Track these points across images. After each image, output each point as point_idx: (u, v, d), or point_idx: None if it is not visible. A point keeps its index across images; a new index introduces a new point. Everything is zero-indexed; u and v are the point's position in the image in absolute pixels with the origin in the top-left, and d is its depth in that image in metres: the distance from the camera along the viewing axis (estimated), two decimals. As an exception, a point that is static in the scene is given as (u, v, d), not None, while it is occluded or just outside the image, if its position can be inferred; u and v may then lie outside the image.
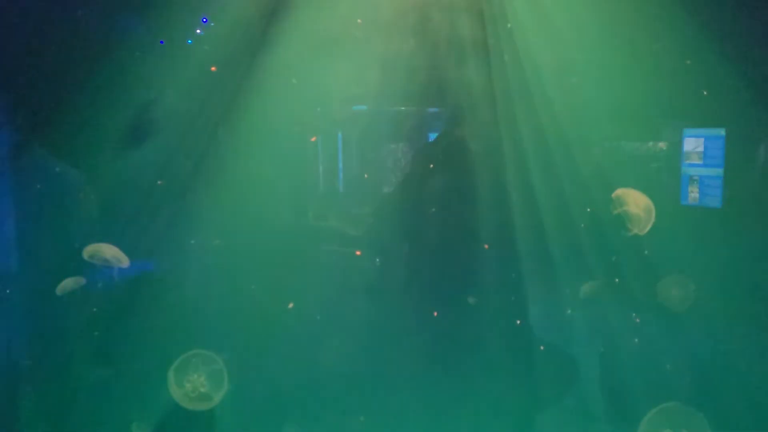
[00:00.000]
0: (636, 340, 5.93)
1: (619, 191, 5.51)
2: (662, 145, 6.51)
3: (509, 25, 5.74)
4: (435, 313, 5.83)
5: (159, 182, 5.56)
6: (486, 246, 5.71)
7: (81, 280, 5.26)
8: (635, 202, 5.61)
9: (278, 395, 5.88)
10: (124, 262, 5.16)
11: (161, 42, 5.99)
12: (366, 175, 6.11)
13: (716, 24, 5.81)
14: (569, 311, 6.01)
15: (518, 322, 5.97)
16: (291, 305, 5.84)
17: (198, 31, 6.08)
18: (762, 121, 5.89)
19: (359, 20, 5.65)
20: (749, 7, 5.82)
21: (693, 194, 6.29)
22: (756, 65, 5.82)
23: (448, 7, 5.81)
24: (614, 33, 5.78)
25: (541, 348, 5.91)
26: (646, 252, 5.68)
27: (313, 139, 5.88)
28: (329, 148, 6.01)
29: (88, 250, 5.06)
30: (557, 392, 5.98)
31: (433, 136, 6.11)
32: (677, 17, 5.73)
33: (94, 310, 5.53)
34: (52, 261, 5.34)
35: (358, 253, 5.94)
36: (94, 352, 5.66)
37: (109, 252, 5.08)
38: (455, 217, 5.95)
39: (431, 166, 5.95)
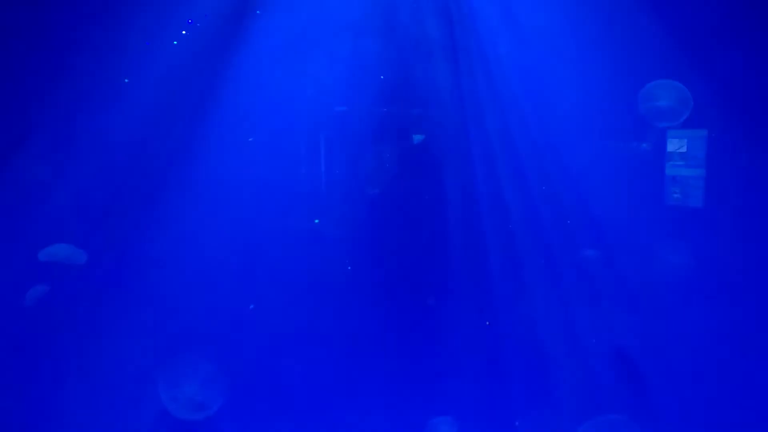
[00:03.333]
0: (608, 337, 5.94)
1: (651, 84, 5.61)
2: (645, 146, 6.44)
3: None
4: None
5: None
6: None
7: (45, 288, 5.33)
8: (668, 96, 5.65)
9: (259, 396, 5.91)
10: (80, 260, 5.23)
11: (147, 43, 6.06)
12: (335, 175, 6.13)
13: (695, 27, 5.81)
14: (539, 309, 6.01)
15: (487, 323, 6.01)
16: (252, 306, 5.91)
17: (183, 32, 6.15)
18: (742, 123, 5.87)
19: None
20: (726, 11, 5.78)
21: (675, 195, 6.25)
22: (736, 68, 5.80)
23: (417, 8, 5.85)
24: (588, 34, 5.80)
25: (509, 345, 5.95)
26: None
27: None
28: (298, 148, 6.05)
29: (46, 251, 5.13)
30: (530, 390, 5.98)
31: (402, 137, 6.13)
32: (654, 20, 5.76)
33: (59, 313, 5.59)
34: (18, 261, 5.46)
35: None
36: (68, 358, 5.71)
37: (64, 252, 5.15)
38: (425, 215, 6.01)
39: (399, 165, 6.01)
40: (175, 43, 6.06)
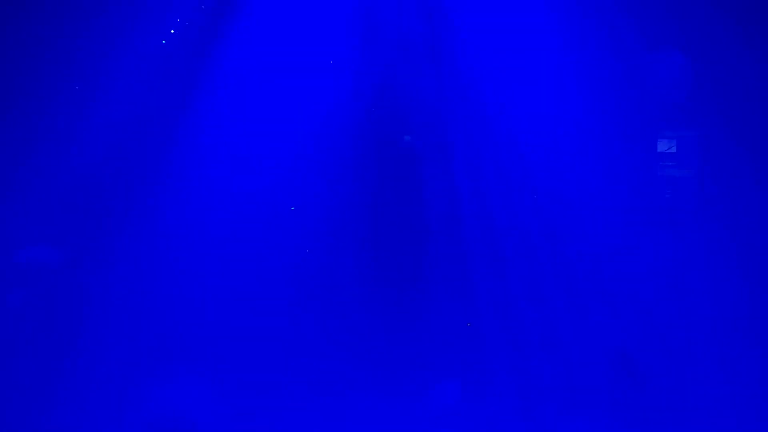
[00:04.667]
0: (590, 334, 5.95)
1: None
2: (637, 146, 6.42)
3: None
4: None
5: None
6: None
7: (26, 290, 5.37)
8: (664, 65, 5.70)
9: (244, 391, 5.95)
10: (61, 262, 5.27)
11: (136, 42, 6.08)
12: (320, 175, 6.13)
13: (685, 26, 5.80)
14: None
15: (468, 324, 6.04)
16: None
17: (172, 31, 6.17)
18: (733, 124, 5.87)
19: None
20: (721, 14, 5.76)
21: (666, 195, 6.25)
22: (728, 70, 5.81)
23: (399, 11, 5.87)
24: (574, 35, 5.80)
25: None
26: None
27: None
28: (278, 149, 6.06)
29: (22, 254, 5.17)
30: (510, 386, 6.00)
31: (384, 139, 6.14)
32: (643, 22, 5.75)
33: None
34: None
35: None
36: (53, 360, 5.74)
37: (40, 254, 5.18)
38: (409, 214, 6.05)
39: (384, 165, 6.04)
40: (163, 42, 6.08)
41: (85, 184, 5.79)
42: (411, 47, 5.92)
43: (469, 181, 5.94)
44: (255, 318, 6.00)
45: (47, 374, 5.62)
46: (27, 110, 5.80)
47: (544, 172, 5.91)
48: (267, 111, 6.00)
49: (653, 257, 5.88)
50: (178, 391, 5.72)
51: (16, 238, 5.58)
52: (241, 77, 5.98)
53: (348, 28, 5.89)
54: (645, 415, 5.72)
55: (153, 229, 5.95)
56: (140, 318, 5.83)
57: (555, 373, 5.88)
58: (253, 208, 6.01)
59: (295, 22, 5.93)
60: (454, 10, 5.85)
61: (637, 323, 5.85)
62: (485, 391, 5.95)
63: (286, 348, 6.03)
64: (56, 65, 5.85)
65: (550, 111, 5.87)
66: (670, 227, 5.96)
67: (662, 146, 6.20)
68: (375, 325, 6.08)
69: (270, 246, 6.03)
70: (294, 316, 6.03)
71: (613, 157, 6.01)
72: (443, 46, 5.91)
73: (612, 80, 5.84)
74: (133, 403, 5.68)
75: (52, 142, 5.76)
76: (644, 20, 5.77)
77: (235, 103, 5.99)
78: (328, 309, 6.08)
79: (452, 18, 5.86)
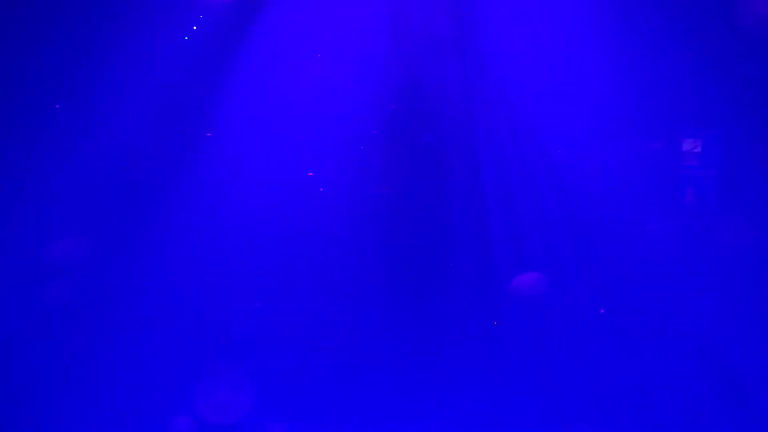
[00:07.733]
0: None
1: None
2: (660, 145, 6.40)
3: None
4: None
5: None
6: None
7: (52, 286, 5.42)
8: None
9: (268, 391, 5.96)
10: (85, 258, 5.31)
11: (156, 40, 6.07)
12: (343, 173, 6.11)
13: (712, 25, 5.78)
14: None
15: (495, 322, 6.02)
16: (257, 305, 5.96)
17: (194, 27, 6.17)
18: (757, 123, 5.85)
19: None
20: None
21: (690, 194, 6.23)
22: (753, 68, 5.78)
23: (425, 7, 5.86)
24: (600, 33, 5.78)
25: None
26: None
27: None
28: (303, 148, 6.04)
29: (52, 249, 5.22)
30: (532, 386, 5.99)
31: (409, 136, 6.12)
32: (667, 20, 5.73)
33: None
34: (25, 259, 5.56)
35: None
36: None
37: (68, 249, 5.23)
38: (433, 212, 6.04)
39: (408, 163, 6.04)
40: (186, 38, 6.08)
41: (111, 184, 5.81)
42: (438, 45, 5.90)
43: (497, 180, 5.93)
44: (276, 317, 6.01)
45: (71, 374, 5.66)
46: (40, 110, 5.83)
47: (572, 171, 5.88)
48: (291, 110, 5.98)
49: (684, 257, 5.85)
50: (201, 390, 5.74)
51: (42, 237, 5.61)
52: (265, 75, 5.96)
53: (374, 25, 5.86)
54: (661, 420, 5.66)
55: (174, 230, 5.95)
56: (154, 320, 5.85)
57: (580, 374, 5.86)
58: (277, 206, 5.99)
59: (320, 19, 5.91)
60: (481, 7, 5.81)
61: (666, 323, 5.81)
62: (510, 392, 5.93)
63: (309, 347, 6.02)
64: (78, 63, 5.85)
65: (578, 109, 5.83)
66: (703, 226, 5.92)
67: (689, 144, 6.18)
68: (399, 324, 6.07)
69: (294, 246, 6.02)
70: (319, 315, 6.01)
71: (641, 154, 5.99)
72: (470, 44, 5.89)
73: (642, 78, 5.81)
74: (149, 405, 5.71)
75: (76, 141, 5.77)
76: (672, 20, 5.74)
77: (259, 102, 5.97)
78: (352, 309, 6.07)
79: (479, 15, 5.83)
